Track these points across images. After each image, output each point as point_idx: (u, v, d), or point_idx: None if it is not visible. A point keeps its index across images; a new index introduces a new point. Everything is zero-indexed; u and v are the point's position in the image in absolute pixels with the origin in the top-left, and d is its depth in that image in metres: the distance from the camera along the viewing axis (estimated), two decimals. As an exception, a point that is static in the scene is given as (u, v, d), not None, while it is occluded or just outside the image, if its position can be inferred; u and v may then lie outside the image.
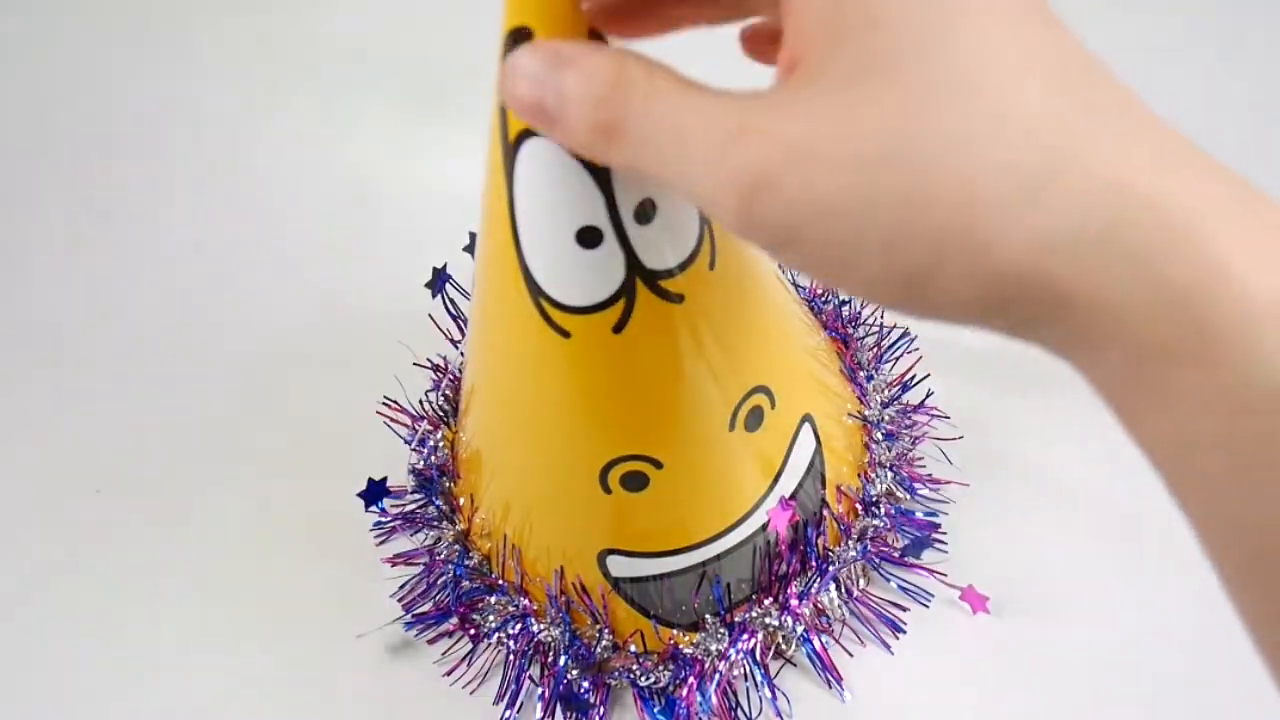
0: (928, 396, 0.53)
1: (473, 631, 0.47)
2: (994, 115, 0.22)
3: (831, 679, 0.46)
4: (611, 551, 0.43)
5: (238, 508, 0.56)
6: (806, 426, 0.44)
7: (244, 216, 0.68)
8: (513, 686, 0.46)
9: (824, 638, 0.47)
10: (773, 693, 0.46)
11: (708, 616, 0.45)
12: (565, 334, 0.36)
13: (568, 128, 0.27)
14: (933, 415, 0.53)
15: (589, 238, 0.34)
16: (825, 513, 0.46)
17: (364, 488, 0.51)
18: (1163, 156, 0.22)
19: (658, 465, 0.40)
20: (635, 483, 0.40)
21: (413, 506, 0.51)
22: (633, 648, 0.45)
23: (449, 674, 0.47)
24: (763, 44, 0.32)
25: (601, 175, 0.33)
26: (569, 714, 0.44)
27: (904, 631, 0.47)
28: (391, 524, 0.52)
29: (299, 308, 0.64)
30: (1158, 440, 0.23)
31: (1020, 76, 0.22)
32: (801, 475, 0.44)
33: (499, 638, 0.46)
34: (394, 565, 0.50)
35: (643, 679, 0.44)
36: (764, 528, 0.43)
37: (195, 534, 0.55)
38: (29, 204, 0.71)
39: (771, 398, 0.41)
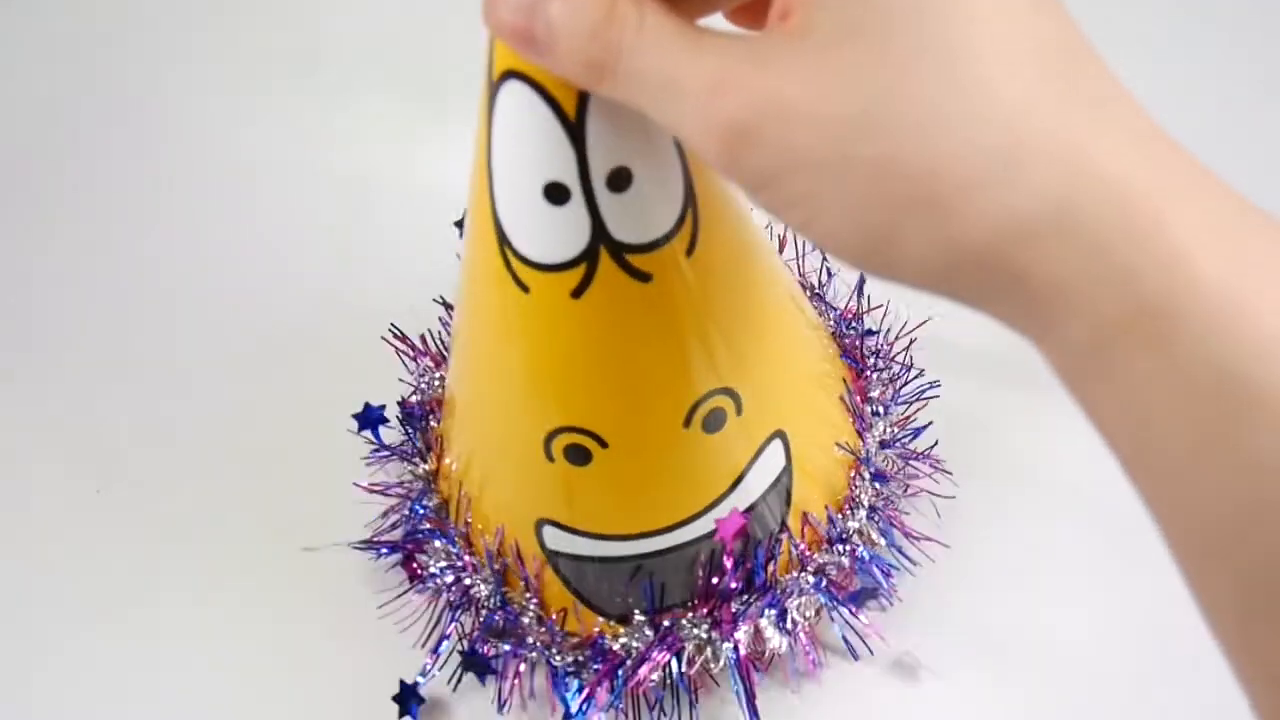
0: (933, 446, 0.50)
1: (415, 569, 0.47)
2: (971, 93, 0.23)
3: (747, 711, 0.44)
4: (549, 522, 0.42)
5: (238, 507, 0.56)
6: (777, 443, 0.42)
7: (244, 216, 0.69)
8: (438, 636, 0.46)
9: (755, 667, 0.45)
10: (692, 703, 0.45)
11: (637, 613, 0.44)
12: (525, 288, 0.36)
13: (557, 59, 0.27)
14: (935, 467, 0.50)
15: (556, 194, 0.33)
16: (784, 536, 0.44)
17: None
18: (1132, 143, 0.23)
19: (602, 444, 0.39)
20: (578, 456, 0.39)
21: (401, 440, 0.52)
22: (556, 624, 0.44)
23: (382, 606, 0.48)
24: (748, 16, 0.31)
25: (575, 132, 0.32)
26: (475, 674, 0.44)
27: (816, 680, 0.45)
28: (382, 454, 0.53)
29: (299, 307, 0.63)
30: (1114, 421, 0.24)
31: (1005, 55, 0.23)
32: (764, 491, 0.43)
33: (436, 584, 0.46)
34: (367, 490, 0.51)
35: (558, 658, 0.44)
36: (711, 535, 0.42)
37: (195, 534, 0.55)
38: (29, 203, 0.71)
39: (738, 403, 0.40)
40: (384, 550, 0.48)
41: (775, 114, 0.24)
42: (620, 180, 0.33)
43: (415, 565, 0.47)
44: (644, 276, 0.35)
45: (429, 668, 0.46)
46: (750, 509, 0.42)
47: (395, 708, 0.45)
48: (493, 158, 0.34)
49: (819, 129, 0.23)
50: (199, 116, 0.75)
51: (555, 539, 0.42)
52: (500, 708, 0.45)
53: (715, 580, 0.43)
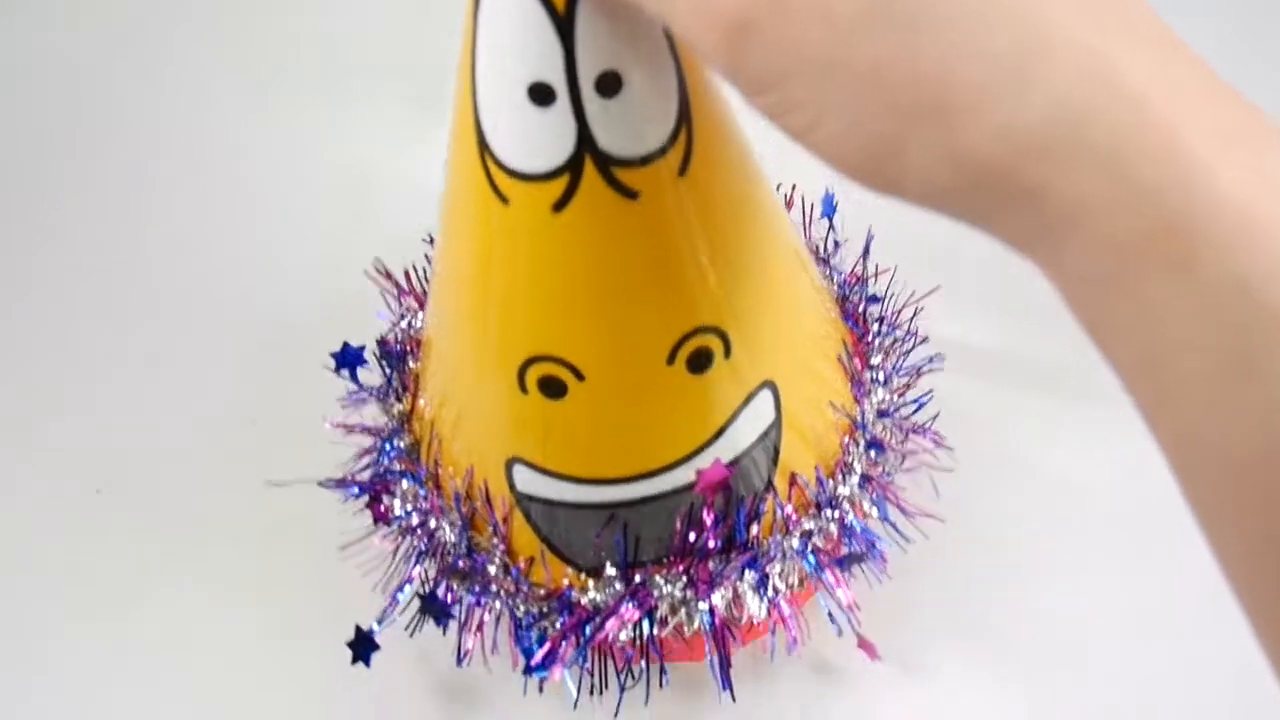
0: (934, 419, 0.48)
1: (381, 512, 0.45)
2: None
3: (720, 680, 0.42)
4: (520, 462, 0.40)
5: (239, 507, 0.55)
6: (767, 393, 0.40)
7: (244, 216, 0.68)
8: (400, 581, 0.44)
9: (732, 634, 0.43)
10: (663, 668, 0.42)
11: (609, 566, 0.41)
12: (504, 199, 0.34)
13: None
14: (936, 443, 0.48)
15: (540, 95, 0.31)
16: (771, 496, 0.42)
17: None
18: (1151, 56, 0.22)
19: (579, 376, 0.37)
20: (553, 389, 0.37)
21: (380, 381, 0.50)
22: (522, 574, 0.42)
23: (344, 548, 0.46)
24: None
25: (564, 27, 0.30)
26: (433, 618, 0.42)
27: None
28: (359, 396, 0.51)
29: (299, 306, 0.63)
30: (1128, 350, 0.22)
31: None
32: (749, 445, 0.40)
33: (401, 526, 0.44)
34: (336, 429, 0.49)
35: (521, 607, 0.41)
36: (691, 487, 0.40)
37: (196, 534, 0.55)
38: (28, 203, 0.71)
39: (726, 345, 0.37)
40: (352, 491, 0.46)
41: (780, 7, 0.22)
42: (610, 85, 0.31)
43: (382, 507, 0.45)
44: (631, 194, 0.33)
45: (388, 613, 0.43)
46: (734, 463, 0.40)
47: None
48: (477, 54, 0.32)
49: (825, 25, 0.22)
50: (198, 117, 0.75)
51: (526, 480, 0.40)
52: (459, 659, 0.43)
53: (693, 536, 0.41)
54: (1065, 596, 0.49)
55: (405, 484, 0.44)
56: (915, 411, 0.48)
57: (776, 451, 0.41)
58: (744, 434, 0.40)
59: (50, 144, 0.74)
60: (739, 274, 0.38)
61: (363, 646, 0.43)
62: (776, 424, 0.41)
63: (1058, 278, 0.23)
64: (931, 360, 0.49)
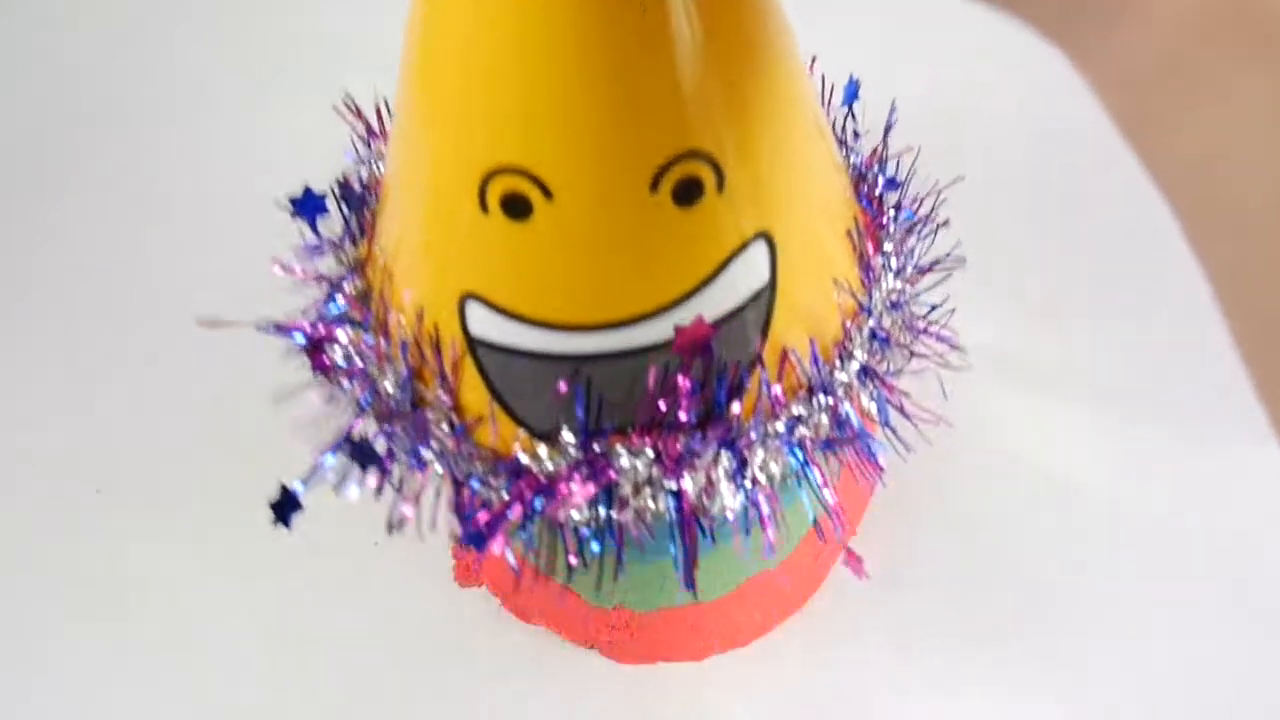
0: (950, 315, 0.43)
1: (324, 361, 0.40)
2: None
3: (684, 579, 0.37)
4: (475, 298, 0.35)
5: (239, 507, 0.51)
6: (761, 247, 0.35)
7: (245, 215, 0.65)
8: (334, 436, 0.39)
9: (701, 529, 0.38)
10: (619, 558, 0.37)
11: (566, 431, 0.36)
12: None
13: None
14: (950, 345, 0.43)
15: None
16: (758, 371, 0.37)
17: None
18: None
19: (546, 193, 0.32)
20: (517, 208, 0.32)
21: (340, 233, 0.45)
22: (466, 430, 0.37)
23: (279, 401, 0.41)
24: None
25: None
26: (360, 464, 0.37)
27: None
28: (317, 247, 0.46)
29: (299, 306, 0.61)
30: (1180, 148, 0.19)
31: None
32: (738, 305, 0.35)
33: (343, 373, 0.39)
34: (284, 273, 0.44)
35: (464, 468, 0.36)
36: (667, 347, 0.35)
37: (196, 534, 0.55)
38: (28, 203, 0.70)
39: (720, 177, 0.32)
40: (293, 338, 0.41)
41: None
42: None
43: (325, 358, 0.40)
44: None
45: (318, 470, 0.38)
46: (719, 324, 0.35)
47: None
48: None
49: None
50: (198, 117, 0.75)
51: (481, 321, 0.35)
52: (391, 527, 0.38)
53: (665, 406, 0.36)
54: (1061, 594, 0.50)
55: (350, 330, 0.39)
56: (929, 311, 0.43)
57: (768, 320, 0.36)
58: (732, 289, 0.35)
59: (50, 144, 0.74)
60: (744, 101, 0.33)
61: (285, 507, 0.38)
62: (771, 288, 0.36)
63: (1094, 70, 0.19)
64: (950, 255, 0.44)
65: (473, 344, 0.36)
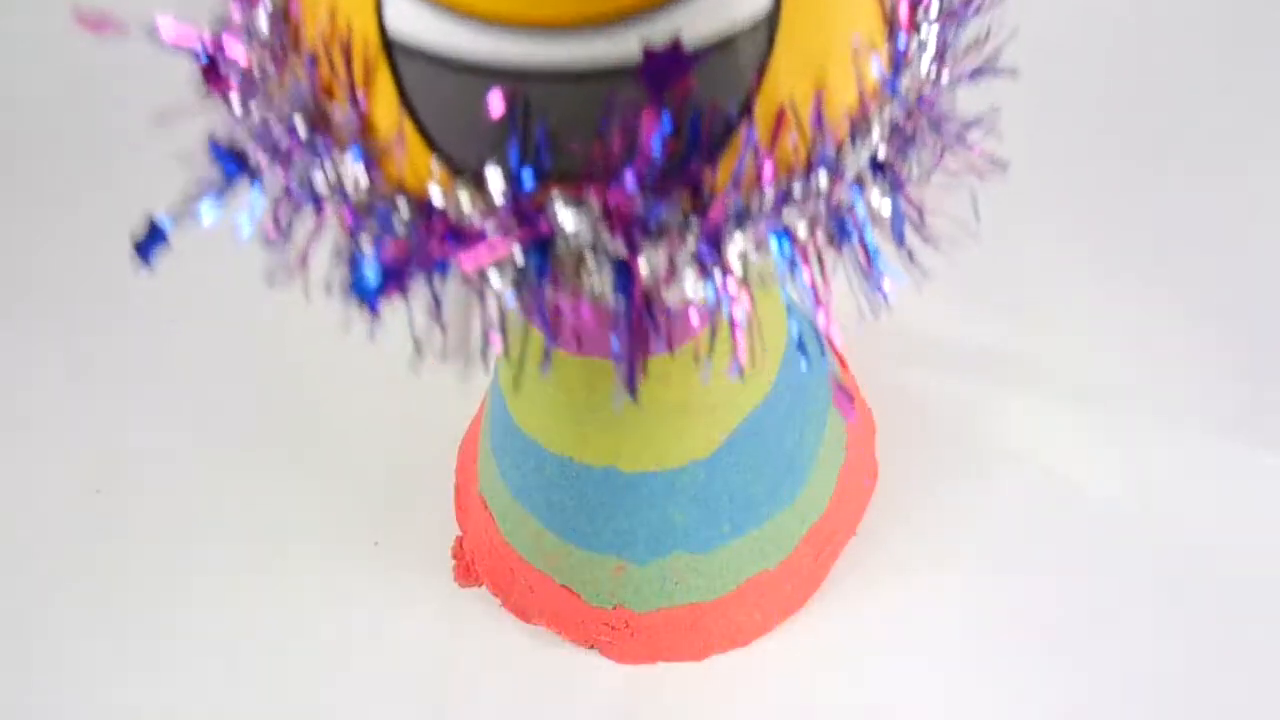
0: (994, 113, 0.35)
1: (218, 75, 0.33)
2: None
3: (626, 379, 0.30)
4: (395, -23, 0.27)
5: (240, 507, 0.56)
6: (763, -44, 0.27)
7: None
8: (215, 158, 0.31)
9: (653, 320, 0.30)
10: (550, 334, 0.30)
11: (493, 170, 0.29)
12: None
13: None
14: (982, 156, 0.35)
15: None
16: (745, 129, 0.29)
17: None
18: None
19: None
20: None
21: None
22: (371, 156, 0.29)
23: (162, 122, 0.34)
24: None
25: None
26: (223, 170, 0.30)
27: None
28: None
29: (300, 306, 0.57)
30: None
31: None
32: (727, 30, 0.28)
33: (233, 85, 0.32)
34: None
35: (359, 195, 0.29)
36: (631, 74, 0.27)
37: (196, 534, 0.55)
38: (28, 203, 0.70)
39: None
40: (192, 50, 0.34)
41: None
42: None
43: (218, 73, 0.33)
44: None
45: (193, 201, 0.31)
46: (700, 53, 0.27)
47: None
48: None
49: None
50: (198, 116, 0.70)
51: (403, 18, 0.28)
52: (273, 280, 0.31)
53: (621, 149, 0.28)
54: (1063, 593, 0.50)
55: (244, 40, 0.32)
56: (967, 127, 0.35)
57: (764, 64, 0.29)
58: (723, 7, 0.27)
59: (50, 144, 0.73)
60: None
61: (150, 239, 0.31)
62: (771, 23, 0.28)
63: None
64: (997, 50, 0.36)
65: (392, 48, 0.28)
